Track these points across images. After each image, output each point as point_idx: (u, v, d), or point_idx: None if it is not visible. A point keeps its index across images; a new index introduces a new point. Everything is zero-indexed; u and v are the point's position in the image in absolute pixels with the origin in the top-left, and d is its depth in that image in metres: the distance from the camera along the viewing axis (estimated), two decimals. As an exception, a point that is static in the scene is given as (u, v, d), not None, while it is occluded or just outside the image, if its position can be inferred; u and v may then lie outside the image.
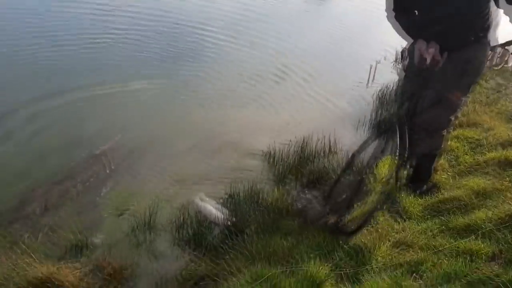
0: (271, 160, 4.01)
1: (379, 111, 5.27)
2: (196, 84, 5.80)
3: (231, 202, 3.29)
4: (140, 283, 2.58)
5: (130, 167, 3.84)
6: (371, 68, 6.67)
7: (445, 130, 2.94)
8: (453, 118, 2.89)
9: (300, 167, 3.81)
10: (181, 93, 5.46)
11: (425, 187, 3.19)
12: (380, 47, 8.00)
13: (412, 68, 2.69)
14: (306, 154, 4.03)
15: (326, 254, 2.49)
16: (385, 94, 5.74)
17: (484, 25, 2.49)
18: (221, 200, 3.39)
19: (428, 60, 2.48)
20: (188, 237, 2.96)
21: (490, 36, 2.58)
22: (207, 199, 3.30)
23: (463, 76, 2.63)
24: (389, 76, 6.79)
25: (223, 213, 3.08)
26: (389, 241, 2.56)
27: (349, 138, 4.66)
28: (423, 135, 2.98)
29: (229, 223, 2.97)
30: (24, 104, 4.61)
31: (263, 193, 3.33)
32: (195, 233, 2.93)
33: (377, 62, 7.18)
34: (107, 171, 3.76)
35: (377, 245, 2.51)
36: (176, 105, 5.20)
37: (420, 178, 3.18)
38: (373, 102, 5.71)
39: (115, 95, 5.20)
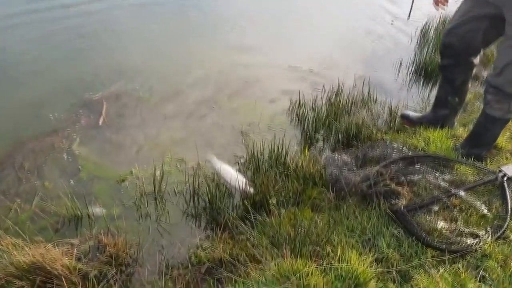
0: (298, 111, 3.46)
1: (423, 50, 4.58)
2: (205, 14, 5.14)
3: (251, 165, 2.81)
4: (146, 265, 2.18)
5: (131, 119, 3.35)
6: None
7: None
8: None
9: (333, 120, 3.26)
10: (187, 28, 4.85)
11: (484, 153, 2.65)
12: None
13: None
14: (339, 103, 3.46)
15: (369, 241, 2.04)
16: (429, 29, 5.00)
17: None
18: (240, 162, 2.91)
19: None
20: (201, 209, 2.52)
21: None
22: (224, 161, 2.82)
23: None
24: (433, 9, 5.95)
25: (242, 179, 2.61)
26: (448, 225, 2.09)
27: (389, 83, 4.06)
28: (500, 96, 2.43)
29: (249, 192, 2.51)
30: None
31: (290, 155, 2.83)
32: (210, 204, 2.48)
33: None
34: (105, 123, 3.28)
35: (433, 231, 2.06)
36: (182, 42, 4.60)
37: (482, 142, 2.63)
38: (416, 38, 4.99)
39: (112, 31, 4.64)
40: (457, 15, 2.60)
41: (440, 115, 2.95)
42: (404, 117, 3.16)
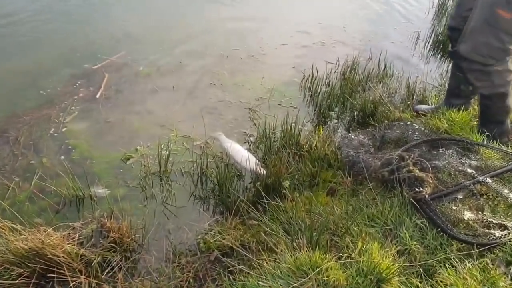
0: (310, 87, 3.28)
1: (441, 22, 4.35)
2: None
3: (262, 145, 2.66)
4: (152, 251, 2.06)
5: (132, 93, 3.17)
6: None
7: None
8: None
9: (348, 96, 3.09)
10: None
11: (496, 129, 2.48)
12: None
13: None
14: (354, 79, 3.27)
15: (390, 231, 1.91)
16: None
17: None
18: (250, 141, 2.76)
19: None
20: (210, 191, 2.39)
21: None
22: (233, 139, 2.67)
23: None
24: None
25: (253, 160, 2.46)
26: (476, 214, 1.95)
27: (406, 57, 3.86)
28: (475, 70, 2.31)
29: (261, 173, 2.37)
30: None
31: (303, 134, 2.67)
32: (219, 186, 2.34)
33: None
34: (103, 97, 3.10)
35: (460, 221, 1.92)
36: (184, 9, 4.35)
37: (489, 120, 2.48)
38: (434, 9, 4.73)
39: None
40: None
41: (455, 105, 2.75)
42: (417, 111, 2.94)
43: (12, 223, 1.95)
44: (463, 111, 2.66)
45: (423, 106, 2.95)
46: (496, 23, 2.14)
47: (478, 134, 2.48)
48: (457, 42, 2.39)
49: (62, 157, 2.56)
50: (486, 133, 2.45)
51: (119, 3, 4.35)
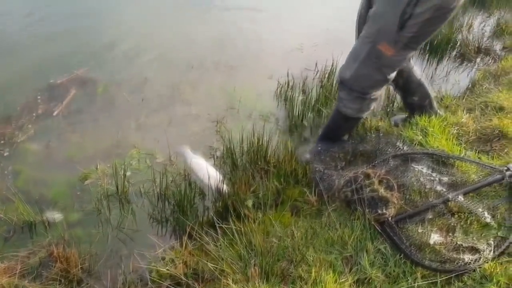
0: (286, 95, 3.13)
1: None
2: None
3: (228, 160, 2.52)
4: (102, 281, 1.94)
5: (95, 108, 3.05)
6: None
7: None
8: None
9: (324, 104, 2.94)
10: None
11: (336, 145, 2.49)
12: None
13: None
14: (331, 86, 3.12)
15: (350, 258, 1.76)
16: None
17: None
18: (215, 156, 2.63)
19: None
20: (169, 213, 2.26)
21: None
22: (198, 153, 2.54)
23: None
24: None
25: (216, 177, 2.33)
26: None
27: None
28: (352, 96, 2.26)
29: (223, 192, 2.24)
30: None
31: (271, 148, 2.53)
32: (179, 207, 2.22)
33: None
34: (61, 114, 2.98)
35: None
36: (154, 17, 4.22)
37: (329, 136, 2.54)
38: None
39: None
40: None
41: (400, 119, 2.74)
42: (396, 124, 2.78)
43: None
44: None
45: (400, 117, 2.79)
46: (378, 59, 2.03)
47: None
48: None
49: (14, 179, 2.44)
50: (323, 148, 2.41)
51: (93, 13, 4.23)
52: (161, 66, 3.50)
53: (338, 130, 2.50)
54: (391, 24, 1.94)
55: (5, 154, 2.61)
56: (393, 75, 2.15)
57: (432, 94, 2.65)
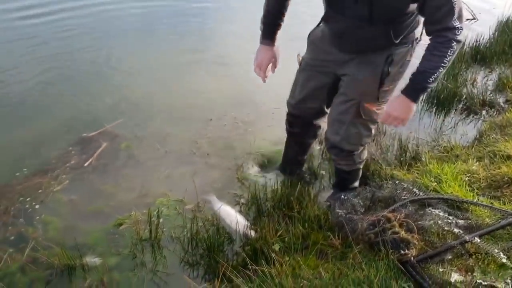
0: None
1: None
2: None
3: (253, 206, 2.68)
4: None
5: (125, 159, 3.27)
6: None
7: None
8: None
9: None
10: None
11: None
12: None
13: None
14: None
15: (377, 296, 1.87)
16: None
17: None
18: (241, 203, 2.79)
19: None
20: (199, 257, 2.39)
21: None
22: (224, 201, 2.70)
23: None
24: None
25: (243, 222, 2.48)
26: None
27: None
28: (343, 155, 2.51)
29: (250, 236, 2.38)
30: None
31: (293, 195, 2.69)
32: (209, 252, 2.35)
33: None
34: (91, 165, 3.18)
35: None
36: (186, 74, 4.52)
37: (346, 188, 2.75)
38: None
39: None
40: (298, 87, 2.50)
41: (293, 172, 2.99)
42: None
43: (0, 296, 1.98)
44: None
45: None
46: (367, 115, 2.28)
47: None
48: (297, 127, 2.68)
49: (50, 226, 2.60)
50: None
51: (126, 68, 4.54)
52: (179, 121, 3.73)
53: (347, 181, 2.71)
54: (372, 85, 2.17)
55: (43, 202, 2.78)
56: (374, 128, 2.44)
57: None
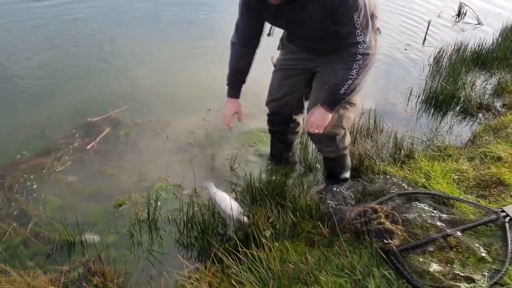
0: (301, 139, 3.42)
1: (435, 78, 4.51)
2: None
3: (248, 194, 2.78)
4: (133, 296, 2.17)
5: (127, 144, 3.39)
6: (429, 24, 5.79)
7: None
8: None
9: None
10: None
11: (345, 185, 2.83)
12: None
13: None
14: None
15: (358, 281, 1.97)
16: (443, 56, 4.94)
17: None
18: (237, 191, 2.90)
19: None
20: (194, 239, 2.50)
21: None
22: (221, 188, 2.80)
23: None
24: (449, 34, 5.91)
25: (237, 209, 2.58)
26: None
27: (397, 113, 4.01)
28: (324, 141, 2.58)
29: (243, 222, 2.48)
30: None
31: (287, 185, 2.79)
32: (203, 234, 2.45)
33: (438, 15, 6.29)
34: (93, 148, 3.30)
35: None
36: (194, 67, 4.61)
37: (336, 178, 2.84)
38: (429, 66, 4.91)
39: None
40: (276, 86, 2.67)
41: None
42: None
43: (3, 265, 2.10)
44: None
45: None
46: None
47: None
48: (278, 125, 2.87)
49: (51, 204, 2.73)
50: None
51: (134, 57, 4.66)
52: (180, 110, 3.84)
53: (336, 171, 2.81)
54: None
55: (45, 181, 2.91)
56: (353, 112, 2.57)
57: None
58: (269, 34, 2.39)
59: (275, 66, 2.70)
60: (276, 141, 3.05)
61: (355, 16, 1.97)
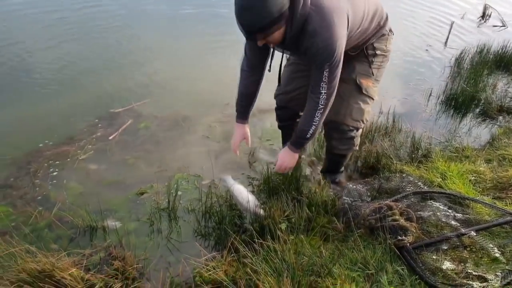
0: (318, 137, 3.46)
1: (456, 80, 4.49)
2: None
3: (265, 188, 2.83)
4: (152, 281, 2.23)
5: (149, 136, 3.49)
6: (451, 25, 5.75)
7: None
8: None
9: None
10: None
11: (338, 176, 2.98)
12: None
13: None
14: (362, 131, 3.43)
15: (371, 276, 2.01)
16: (465, 58, 4.91)
17: None
18: (254, 184, 2.96)
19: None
20: (211, 229, 2.57)
21: None
22: (239, 181, 2.86)
23: None
24: (472, 36, 5.85)
25: (254, 202, 2.63)
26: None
27: (416, 113, 4.01)
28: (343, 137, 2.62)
29: (260, 215, 2.53)
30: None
31: (304, 180, 2.83)
32: (220, 225, 2.52)
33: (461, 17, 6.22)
34: (115, 139, 3.41)
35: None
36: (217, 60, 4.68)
37: (336, 171, 2.98)
38: (450, 67, 4.89)
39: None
40: (285, 79, 2.68)
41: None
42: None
43: (29, 246, 2.20)
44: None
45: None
46: (365, 90, 2.45)
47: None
48: (286, 120, 2.88)
49: (77, 191, 2.85)
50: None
51: (156, 52, 4.76)
52: (198, 105, 3.92)
53: (339, 165, 2.92)
54: (363, 64, 2.45)
55: (69, 169, 3.02)
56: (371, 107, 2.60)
57: None
58: (269, 70, 2.42)
59: (288, 60, 2.73)
60: (285, 136, 3.07)
61: (325, 66, 2.04)
